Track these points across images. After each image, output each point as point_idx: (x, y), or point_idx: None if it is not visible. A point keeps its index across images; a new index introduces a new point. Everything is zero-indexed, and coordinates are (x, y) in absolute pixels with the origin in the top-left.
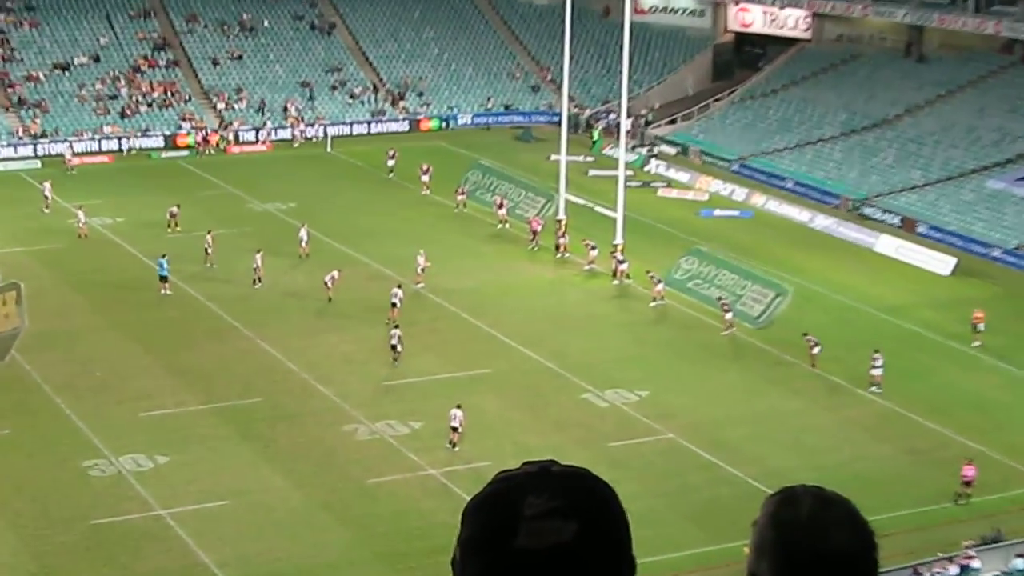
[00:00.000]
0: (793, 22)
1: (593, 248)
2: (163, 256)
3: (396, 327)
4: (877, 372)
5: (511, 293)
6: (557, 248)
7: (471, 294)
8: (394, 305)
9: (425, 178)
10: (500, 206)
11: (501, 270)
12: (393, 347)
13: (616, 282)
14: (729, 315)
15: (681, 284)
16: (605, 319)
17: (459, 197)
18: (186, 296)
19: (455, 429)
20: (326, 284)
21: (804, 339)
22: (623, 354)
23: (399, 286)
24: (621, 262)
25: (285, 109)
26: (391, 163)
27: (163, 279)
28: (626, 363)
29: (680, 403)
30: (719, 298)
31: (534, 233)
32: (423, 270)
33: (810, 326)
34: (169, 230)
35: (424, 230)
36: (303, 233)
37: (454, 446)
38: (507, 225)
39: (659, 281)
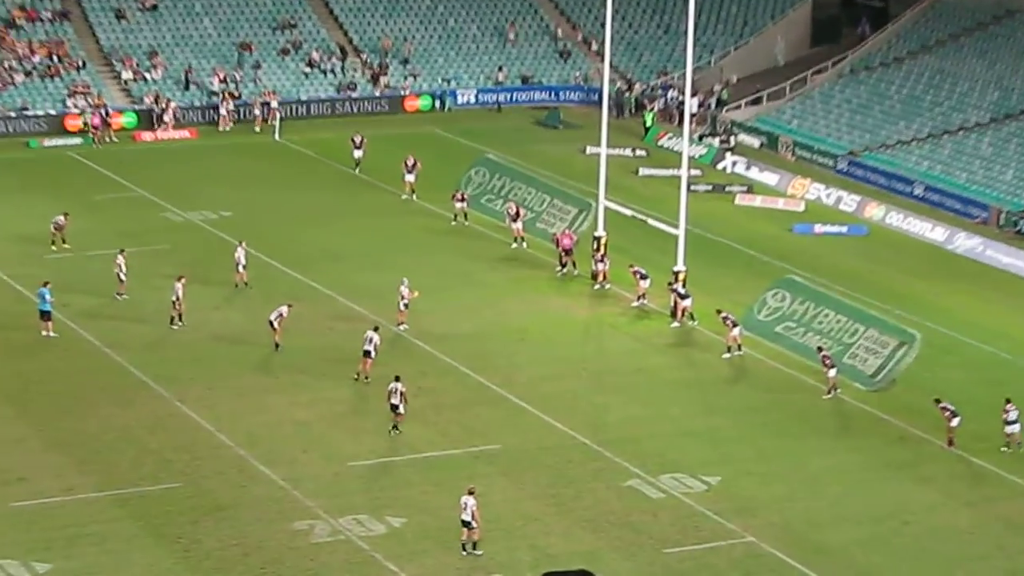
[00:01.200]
0: None
1: (644, 277)
2: (45, 284)
3: (397, 379)
4: (1013, 428)
5: (529, 339)
6: (594, 277)
7: (474, 340)
8: (367, 355)
9: (410, 177)
10: (515, 217)
11: (516, 306)
12: (394, 408)
13: (676, 324)
14: (833, 372)
15: (767, 328)
16: (660, 376)
17: (457, 204)
18: (78, 340)
19: (467, 524)
20: (272, 325)
21: (938, 407)
22: (685, 426)
23: (375, 329)
24: (683, 297)
25: (223, 81)
26: (358, 153)
27: (45, 315)
28: (689, 438)
29: (764, 494)
30: (819, 348)
31: (565, 254)
32: (407, 306)
33: (947, 388)
34: (54, 247)
35: (409, 250)
36: (240, 254)
37: (473, 547)
38: (524, 243)
39: (735, 324)
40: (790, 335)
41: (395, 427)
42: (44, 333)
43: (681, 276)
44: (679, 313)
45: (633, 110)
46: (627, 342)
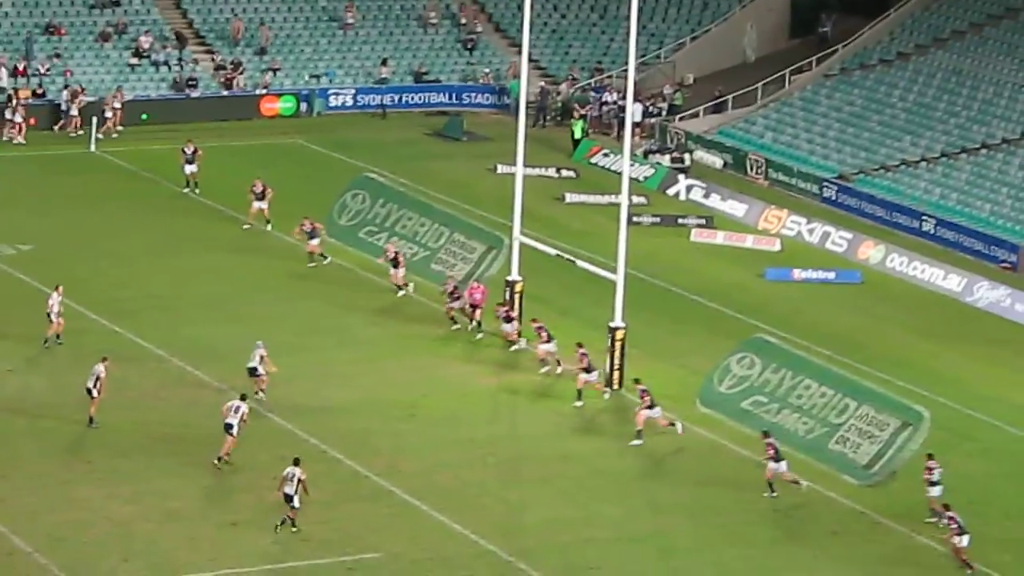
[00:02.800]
0: None
1: (548, 339)
2: None
3: (296, 463)
4: (935, 492)
5: (421, 415)
6: (507, 336)
7: (348, 416)
8: (230, 429)
9: (260, 204)
10: (395, 262)
11: (403, 373)
12: (288, 498)
13: (606, 392)
14: (778, 466)
15: (731, 404)
16: (592, 464)
17: (311, 243)
18: None
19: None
20: (91, 393)
21: (942, 519)
22: (625, 530)
23: (242, 398)
24: (587, 370)
25: (21, 75)
26: (190, 168)
27: None
28: (630, 546)
29: None
30: (765, 433)
31: (471, 308)
32: (261, 373)
33: (964, 484)
34: None
35: (261, 297)
36: (54, 301)
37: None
38: (412, 288)
39: (652, 405)
40: (760, 412)
41: (286, 522)
42: None
43: (619, 335)
44: (610, 381)
45: (558, 117)
46: (550, 420)
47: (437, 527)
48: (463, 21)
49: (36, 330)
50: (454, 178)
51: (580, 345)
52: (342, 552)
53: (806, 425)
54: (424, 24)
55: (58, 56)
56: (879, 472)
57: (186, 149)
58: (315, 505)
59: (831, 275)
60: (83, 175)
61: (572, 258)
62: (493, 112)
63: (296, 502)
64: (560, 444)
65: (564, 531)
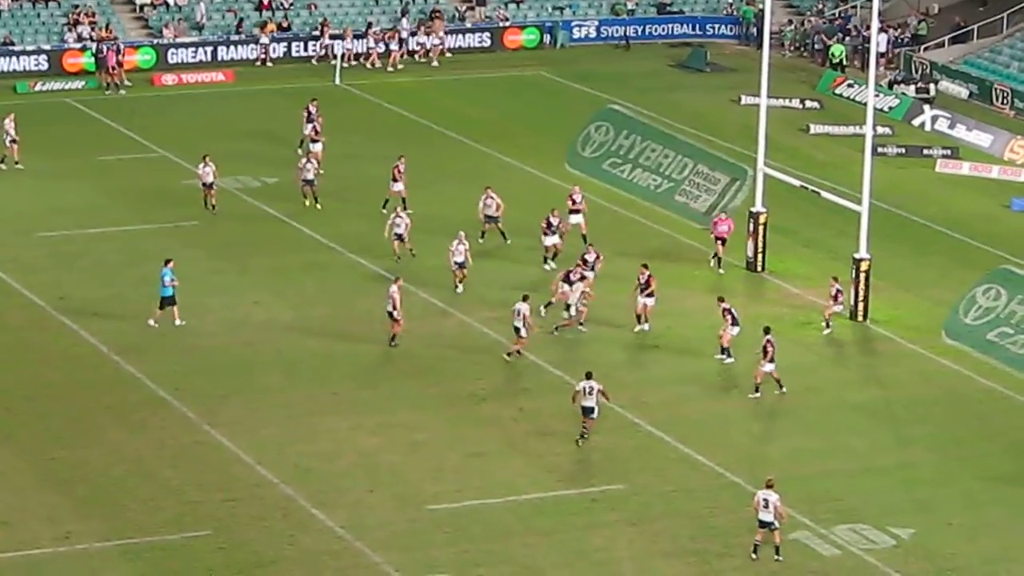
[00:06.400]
0: None
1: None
2: (167, 263)
3: (588, 377)
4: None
5: (667, 346)
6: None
7: (592, 346)
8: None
9: (400, 167)
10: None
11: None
12: (587, 411)
13: (827, 328)
14: None
15: (976, 336)
16: (837, 396)
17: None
18: (78, 344)
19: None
20: (391, 316)
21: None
22: (869, 462)
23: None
24: (837, 296)
25: (267, 8)
26: (309, 129)
27: (166, 301)
28: (874, 478)
29: (971, 552)
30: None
31: (716, 241)
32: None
33: None
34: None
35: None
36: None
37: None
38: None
39: (735, 322)
40: (1006, 344)
41: (584, 435)
42: (151, 322)
43: (864, 266)
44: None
45: (805, 48)
46: (795, 352)
47: (681, 459)
48: None
49: (279, 261)
50: (697, 109)
51: (835, 279)
52: (587, 484)
53: None
54: None
55: None
56: None
57: (308, 106)
58: (558, 436)
59: None
60: (325, 108)
61: (816, 189)
62: (736, 43)
63: (595, 414)
64: (805, 376)
65: (808, 462)
